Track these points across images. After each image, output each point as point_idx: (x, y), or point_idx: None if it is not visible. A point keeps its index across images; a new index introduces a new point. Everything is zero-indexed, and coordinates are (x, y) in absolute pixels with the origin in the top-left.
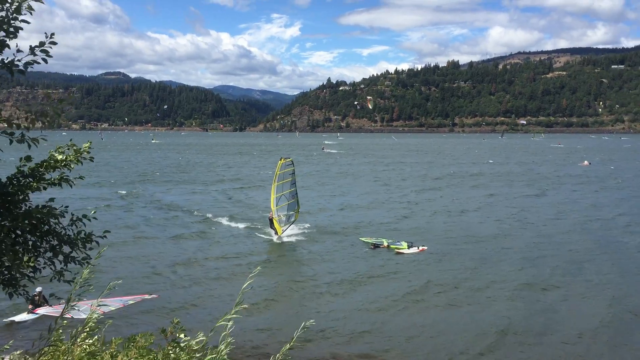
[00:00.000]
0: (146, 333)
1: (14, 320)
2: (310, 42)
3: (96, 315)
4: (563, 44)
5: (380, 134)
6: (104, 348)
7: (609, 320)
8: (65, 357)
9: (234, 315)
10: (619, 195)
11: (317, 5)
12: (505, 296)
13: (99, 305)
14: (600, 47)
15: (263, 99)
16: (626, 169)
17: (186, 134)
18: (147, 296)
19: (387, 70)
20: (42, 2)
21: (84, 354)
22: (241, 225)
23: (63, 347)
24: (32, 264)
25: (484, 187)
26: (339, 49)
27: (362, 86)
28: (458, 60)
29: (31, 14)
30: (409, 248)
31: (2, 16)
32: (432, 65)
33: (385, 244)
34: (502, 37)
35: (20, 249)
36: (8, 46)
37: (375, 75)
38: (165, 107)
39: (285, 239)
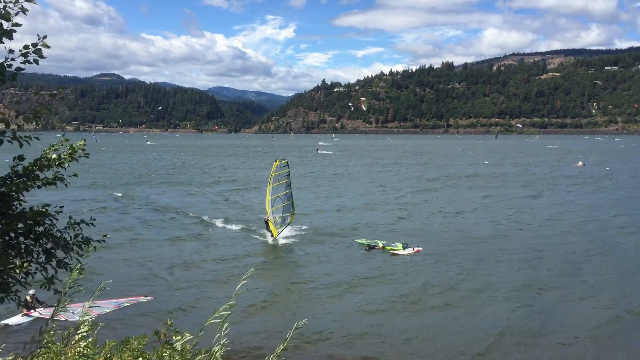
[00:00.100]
0: (140, 335)
1: (7, 324)
2: (305, 44)
3: (88, 317)
4: (557, 45)
5: (375, 135)
6: (97, 350)
7: (607, 321)
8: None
9: (223, 313)
10: (614, 196)
11: (312, 6)
12: (503, 297)
13: (91, 307)
14: (594, 48)
15: (258, 100)
16: (621, 169)
17: (181, 136)
18: (142, 298)
19: (381, 72)
20: (35, 3)
21: (77, 357)
22: (237, 227)
23: (55, 349)
24: (24, 270)
25: (479, 188)
26: (333, 50)
27: (356, 87)
28: (452, 62)
29: (25, 13)
30: (404, 249)
31: None
32: (426, 67)
33: (381, 245)
34: (496, 39)
35: (13, 253)
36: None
37: (369, 76)
38: (160, 108)
39: (281, 241)
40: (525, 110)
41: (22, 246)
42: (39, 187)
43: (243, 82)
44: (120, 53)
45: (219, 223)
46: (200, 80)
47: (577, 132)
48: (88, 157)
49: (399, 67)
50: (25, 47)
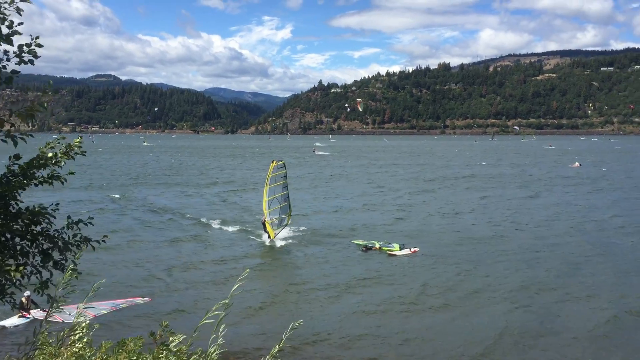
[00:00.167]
0: (136, 337)
1: (4, 325)
2: (302, 45)
3: (83, 318)
4: (553, 46)
5: (372, 136)
6: (93, 352)
7: (606, 321)
8: None
9: (216, 313)
10: (611, 196)
11: (309, 7)
12: (501, 298)
13: (85, 308)
14: (590, 49)
15: (254, 101)
16: (618, 170)
17: (177, 137)
18: (139, 299)
19: (378, 73)
20: (30, 2)
21: (73, 358)
22: (235, 229)
23: (49, 351)
24: (20, 273)
25: (477, 189)
26: (330, 51)
27: (353, 88)
28: (449, 63)
29: (20, 14)
30: (401, 250)
31: None
32: (423, 68)
33: (377, 246)
34: (492, 40)
35: (8, 255)
36: None
37: (366, 77)
38: (156, 109)
39: (278, 242)
40: (522, 111)
41: (18, 248)
42: (35, 185)
43: (240, 83)
44: (117, 54)
45: (216, 224)
46: (196, 81)
47: (573, 133)
48: (85, 155)
49: (395, 68)
50: (20, 46)
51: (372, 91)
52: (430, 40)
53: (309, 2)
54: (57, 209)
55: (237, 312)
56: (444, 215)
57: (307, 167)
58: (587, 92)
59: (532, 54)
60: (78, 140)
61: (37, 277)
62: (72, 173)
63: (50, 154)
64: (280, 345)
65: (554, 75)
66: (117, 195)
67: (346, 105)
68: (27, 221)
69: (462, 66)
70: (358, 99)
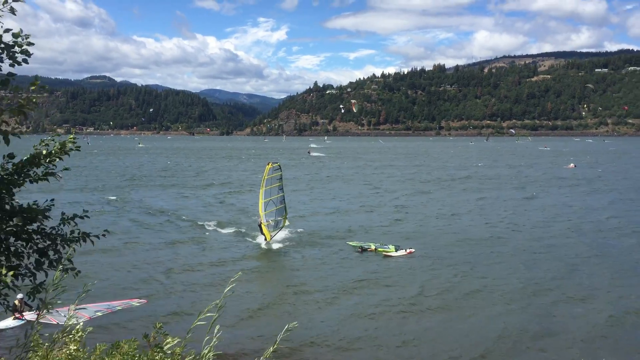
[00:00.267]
0: (130, 339)
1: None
2: (297, 46)
3: (75, 320)
4: (548, 47)
5: (367, 138)
6: (86, 354)
7: (604, 323)
8: None
9: (209, 314)
10: (607, 197)
11: (304, 9)
12: (499, 300)
13: (79, 309)
14: (584, 50)
15: (250, 102)
16: (613, 171)
17: (172, 138)
18: (135, 301)
19: (373, 74)
20: (23, 2)
21: None
22: (231, 231)
23: (42, 353)
24: (9, 279)
25: (474, 190)
26: (325, 52)
27: (348, 90)
28: (444, 64)
29: (14, 14)
30: (396, 251)
31: None
32: (418, 69)
33: (373, 247)
34: (487, 41)
35: (1, 256)
36: None
37: (361, 79)
38: (151, 110)
39: (274, 245)
40: (517, 113)
41: (12, 249)
42: (31, 182)
43: (235, 84)
44: (112, 55)
45: (213, 226)
46: (192, 82)
47: (568, 134)
48: (79, 150)
49: (390, 70)
50: (9, 46)
51: (367, 92)
52: (425, 41)
53: (304, 3)
54: (53, 205)
55: (234, 315)
56: (441, 217)
57: (303, 169)
58: (582, 94)
59: (527, 56)
60: (72, 136)
61: (30, 280)
62: (67, 169)
63: (44, 152)
64: (275, 346)
65: (549, 76)
66: (113, 197)
67: (341, 106)
68: (25, 217)
69: (457, 67)
70: (353, 101)
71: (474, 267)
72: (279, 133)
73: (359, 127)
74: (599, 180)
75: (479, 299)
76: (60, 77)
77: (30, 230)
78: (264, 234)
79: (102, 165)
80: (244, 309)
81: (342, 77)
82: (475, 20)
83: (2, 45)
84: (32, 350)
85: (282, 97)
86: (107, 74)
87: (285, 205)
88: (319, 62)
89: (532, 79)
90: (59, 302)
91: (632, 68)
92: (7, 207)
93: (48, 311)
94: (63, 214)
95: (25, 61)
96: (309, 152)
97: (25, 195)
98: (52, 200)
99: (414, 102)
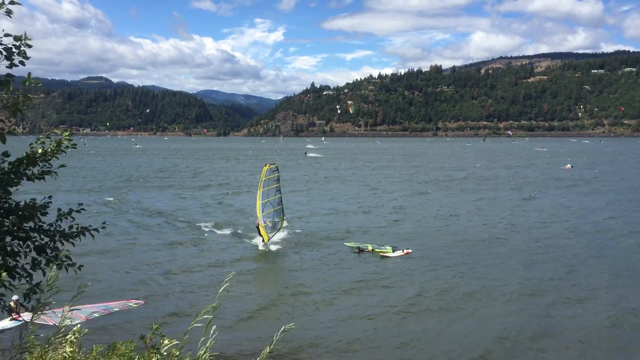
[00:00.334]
0: (127, 340)
1: None
2: (294, 47)
3: (69, 321)
4: (544, 48)
5: (364, 139)
6: (82, 356)
7: (604, 324)
8: None
9: (206, 317)
10: (605, 198)
11: (301, 10)
12: (498, 301)
13: (76, 310)
14: (581, 51)
15: (247, 103)
16: (610, 172)
17: (169, 139)
18: (132, 302)
19: (370, 75)
20: (19, 4)
21: None
22: (229, 232)
23: (36, 355)
24: (6, 277)
25: (472, 191)
26: (322, 53)
27: (345, 91)
28: (441, 65)
29: (10, 16)
30: (393, 251)
31: None
32: (415, 70)
33: (370, 248)
34: (484, 42)
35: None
36: None
37: (358, 80)
38: (148, 111)
39: (272, 246)
40: (513, 114)
41: (8, 249)
42: (27, 180)
43: (232, 85)
44: (108, 56)
45: (210, 228)
46: (188, 83)
47: (564, 135)
48: (75, 148)
49: (387, 71)
50: (9, 50)
51: (364, 93)
52: (422, 42)
53: (301, 4)
54: (50, 202)
55: (233, 316)
56: (439, 217)
57: (301, 170)
58: (578, 95)
59: (524, 57)
60: (67, 133)
61: (27, 281)
62: (63, 166)
63: (40, 150)
64: (271, 347)
65: (545, 77)
66: (110, 198)
67: (337, 107)
68: (19, 218)
69: (454, 68)
70: (349, 102)
71: (472, 268)
72: (276, 134)
73: (356, 128)
74: (596, 181)
75: (478, 299)
76: (56, 78)
77: (28, 228)
78: (261, 235)
79: (99, 166)
80: (243, 311)
81: (339, 78)
82: (471, 21)
83: (2, 48)
84: (27, 352)
85: (279, 98)
86: (104, 75)
87: (283, 207)
88: (316, 63)
89: (528, 80)
90: (53, 302)
91: (628, 69)
92: (6, 205)
93: (42, 312)
94: (59, 209)
95: (22, 63)
96: (305, 153)
97: (22, 197)
98: (50, 197)
99: (411, 103)
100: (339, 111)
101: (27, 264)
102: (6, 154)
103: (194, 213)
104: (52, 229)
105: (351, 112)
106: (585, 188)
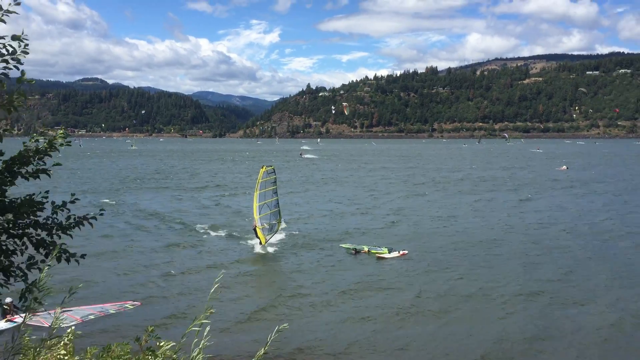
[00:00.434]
0: (122, 342)
1: None
2: (290, 48)
3: (65, 323)
4: (539, 50)
5: (360, 140)
6: (77, 358)
7: (604, 326)
8: None
9: (204, 321)
10: (601, 199)
11: (296, 11)
12: (497, 303)
13: (72, 312)
14: (576, 53)
15: (242, 105)
16: (605, 173)
17: (165, 140)
18: (128, 304)
19: (366, 76)
20: (19, 4)
21: None
22: (226, 234)
23: (30, 357)
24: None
25: (469, 192)
26: (318, 55)
27: (341, 92)
28: (436, 67)
29: (5, 22)
30: (389, 252)
31: None
32: (410, 71)
33: (366, 249)
34: (479, 44)
35: None
36: None
37: (354, 81)
38: (143, 112)
39: (269, 248)
40: (509, 115)
41: (4, 247)
42: (22, 178)
43: (228, 86)
44: (104, 57)
45: (207, 229)
46: (184, 84)
47: (560, 137)
48: (70, 145)
49: (383, 72)
50: (13, 52)
51: (360, 95)
52: (417, 44)
53: (297, 6)
54: (47, 197)
55: (230, 318)
56: (436, 219)
57: (297, 171)
58: (573, 96)
59: (519, 58)
60: (61, 131)
61: (23, 280)
62: (58, 164)
63: (34, 148)
64: (266, 348)
65: (540, 79)
66: (107, 200)
67: (332, 107)
68: (15, 216)
69: (449, 70)
70: (344, 103)
71: (470, 270)
72: (272, 135)
73: (352, 130)
74: (592, 182)
75: (476, 301)
76: (52, 79)
77: (23, 225)
78: (259, 238)
79: (95, 168)
80: (240, 313)
81: (335, 79)
82: (467, 22)
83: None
84: (20, 354)
85: (275, 99)
86: (99, 76)
87: (280, 209)
88: (312, 65)
89: (523, 82)
90: (45, 304)
91: (622, 70)
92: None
93: (36, 311)
94: (53, 203)
95: (16, 67)
96: (300, 154)
97: (17, 194)
98: (47, 192)
99: (407, 105)
100: (333, 111)
101: (22, 263)
102: (0, 153)
103: (191, 215)
104: (48, 222)
105: (346, 113)
106: (581, 189)
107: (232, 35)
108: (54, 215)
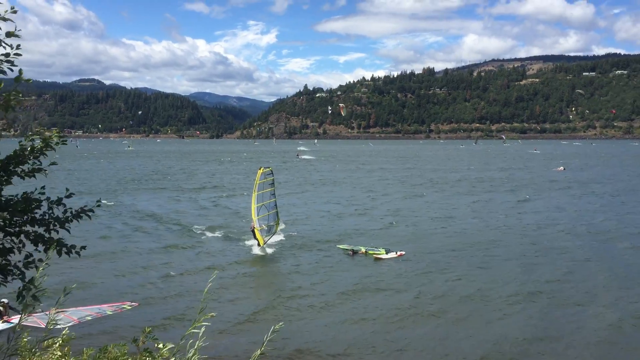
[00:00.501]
0: (119, 343)
1: None
2: (287, 49)
3: (61, 324)
4: (536, 51)
5: (357, 141)
6: (73, 359)
7: (604, 327)
8: None
9: (204, 324)
10: (599, 200)
11: (294, 12)
12: (496, 304)
13: (63, 312)
14: (572, 54)
15: (240, 105)
16: (603, 174)
17: (162, 141)
18: (126, 304)
19: (363, 77)
20: (15, 11)
21: None
22: (224, 236)
23: (25, 358)
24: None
25: (467, 193)
26: (315, 56)
27: (338, 93)
28: (433, 68)
29: (5, 19)
30: (387, 253)
31: None
32: (408, 72)
33: (363, 250)
34: (476, 45)
35: None
36: None
37: (351, 82)
38: (140, 113)
39: (268, 249)
40: (505, 116)
41: (0, 246)
42: (18, 177)
43: (225, 87)
44: (101, 58)
45: (205, 231)
46: (181, 85)
47: (556, 137)
48: (66, 144)
49: (380, 73)
50: (6, 55)
51: (357, 96)
52: (414, 45)
53: (294, 7)
54: (44, 192)
55: (228, 320)
56: (435, 220)
57: (295, 172)
58: (570, 97)
59: (516, 59)
60: (57, 130)
61: (20, 278)
62: (54, 163)
63: (29, 147)
64: (262, 348)
65: (537, 80)
66: (105, 201)
67: (328, 107)
68: (11, 214)
69: (446, 71)
70: (341, 104)
71: (468, 271)
72: (269, 136)
73: (349, 130)
74: (589, 183)
75: (475, 303)
76: (48, 80)
77: (20, 222)
78: (257, 239)
79: (93, 169)
80: (238, 314)
81: (332, 80)
82: (464, 24)
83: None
84: (17, 355)
85: (272, 100)
86: (96, 77)
87: (278, 210)
88: (309, 66)
89: (520, 83)
90: (42, 304)
91: (619, 72)
92: None
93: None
94: (48, 198)
95: (10, 69)
96: (297, 155)
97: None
98: (43, 187)
99: (404, 106)
100: (330, 111)
101: (19, 261)
102: None
103: (189, 216)
104: (45, 217)
105: (343, 114)
106: (579, 190)
107: (229, 36)
108: (50, 211)
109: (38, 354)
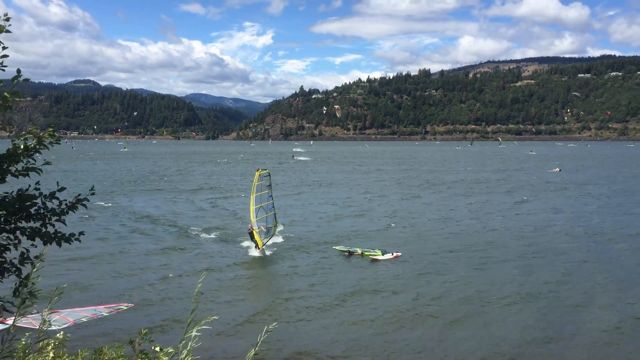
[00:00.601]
0: (114, 345)
1: None
2: (283, 51)
3: (55, 325)
4: (531, 53)
5: (353, 142)
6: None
7: (604, 328)
8: None
9: (204, 327)
10: (596, 202)
11: (290, 14)
12: (494, 306)
13: (58, 313)
14: (567, 56)
15: (236, 107)
16: (599, 175)
17: (158, 142)
18: (122, 306)
19: (359, 79)
20: (8, 21)
21: None
22: (222, 238)
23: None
24: None
25: (464, 194)
26: (311, 57)
27: (334, 94)
28: (429, 69)
29: None
30: (383, 254)
31: None
32: (403, 74)
33: (359, 251)
34: (472, 46)
35: None
36: None
37: (347, 83)
38: (135, 114)
39: (266, 252)
40: (501, 117)
41: None
42: (12, 176)
43: (221, 88)
44: (96, 59)
45: (203, 232)
46: (177, 86)
47: (552, 139)
48: (59, 144)
49: (376, 74)
50: None
51: (353, 97)
52: (410, 46)
53: (290, 8)
54: (39, 187)
55: (225, 322)
56: (432, 221)
57: (292, 173)
58: (565, 99)
59: (511, 61)
60: (51, 129)
61: (16, 275)
62: (48, 163)
63: (22, 146)
64: (256, 349)
65: (533, 81)
66: (101, 203)
67: (324, 108)
68: (7, 211)
69: (442, 72)
70: (336, 106)
71: (466, 272)
72: (265, 137)
73: (345, 132)
74: (585, 185)
75: (473, 304)
76: (44, 81)
77: (15, 218)
78: (255, 241)
79: (89, 170)
80: (236, 316)
81: (328, 81)
82: (459, 25)
83: None
84: (9, 357)
85: (268, 101)
86: (92, 78)
87: (275, 212)
88: (305, 67)
89: (516, 84)
90: (37, 301)
91: (614, 73)
92: None
93: (26, 316)
94: (41, 193)
95: (2, 70)
96: (293, 157)
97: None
98: (38, 182)
99: (400, 107)
100: (325, 111)
101: (15, 258)
102: None
103: (186, 217)
104: (41, 211)
105: (338, 116)
106: (575, 191)
107: (225, 37)
108: (45, 206)
109: (31, 355)
